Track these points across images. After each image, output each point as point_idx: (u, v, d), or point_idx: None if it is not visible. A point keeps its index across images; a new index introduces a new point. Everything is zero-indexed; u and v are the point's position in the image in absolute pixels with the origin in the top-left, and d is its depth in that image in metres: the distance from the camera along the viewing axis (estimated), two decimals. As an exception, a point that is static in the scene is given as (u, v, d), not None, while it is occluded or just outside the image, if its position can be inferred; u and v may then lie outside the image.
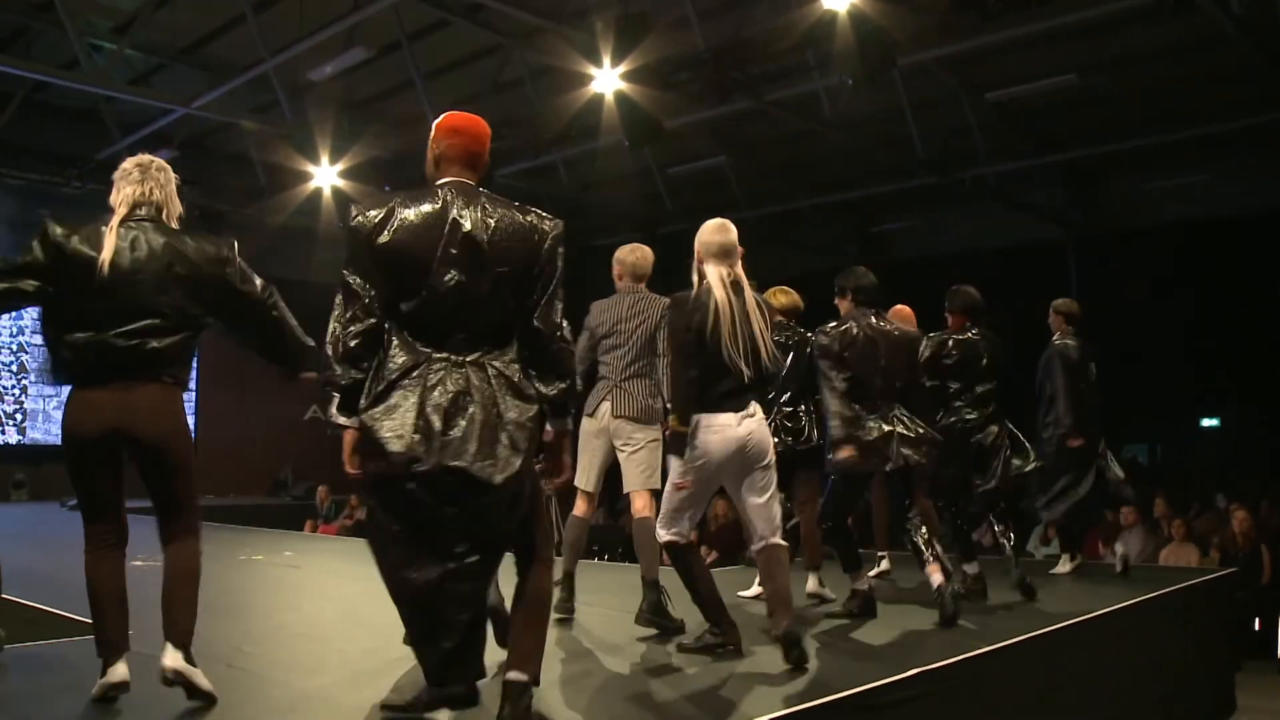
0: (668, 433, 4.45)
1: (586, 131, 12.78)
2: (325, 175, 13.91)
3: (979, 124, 13.46)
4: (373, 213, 3.19)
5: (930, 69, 12.21)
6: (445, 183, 3.29)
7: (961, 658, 4.32)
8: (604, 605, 5.72)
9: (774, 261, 18.38)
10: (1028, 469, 6.53)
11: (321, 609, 6.15)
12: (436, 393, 3.07)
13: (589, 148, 13.67)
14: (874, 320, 5.46)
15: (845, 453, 5.09)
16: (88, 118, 14.45)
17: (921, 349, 5.97)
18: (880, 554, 7.25)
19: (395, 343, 3.16)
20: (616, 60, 10.55)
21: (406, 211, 3.18)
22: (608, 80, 10.83)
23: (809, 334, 6.03)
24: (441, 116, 3.44)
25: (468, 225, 3.16)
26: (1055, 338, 7.38)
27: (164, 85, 13.50)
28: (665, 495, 4.53)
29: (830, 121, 13.07)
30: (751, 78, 11.29)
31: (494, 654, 3.33)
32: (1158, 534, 10.48)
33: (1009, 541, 6.35)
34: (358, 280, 3.18)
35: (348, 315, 3.18)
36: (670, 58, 11.00)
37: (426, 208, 3.20)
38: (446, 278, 3.14)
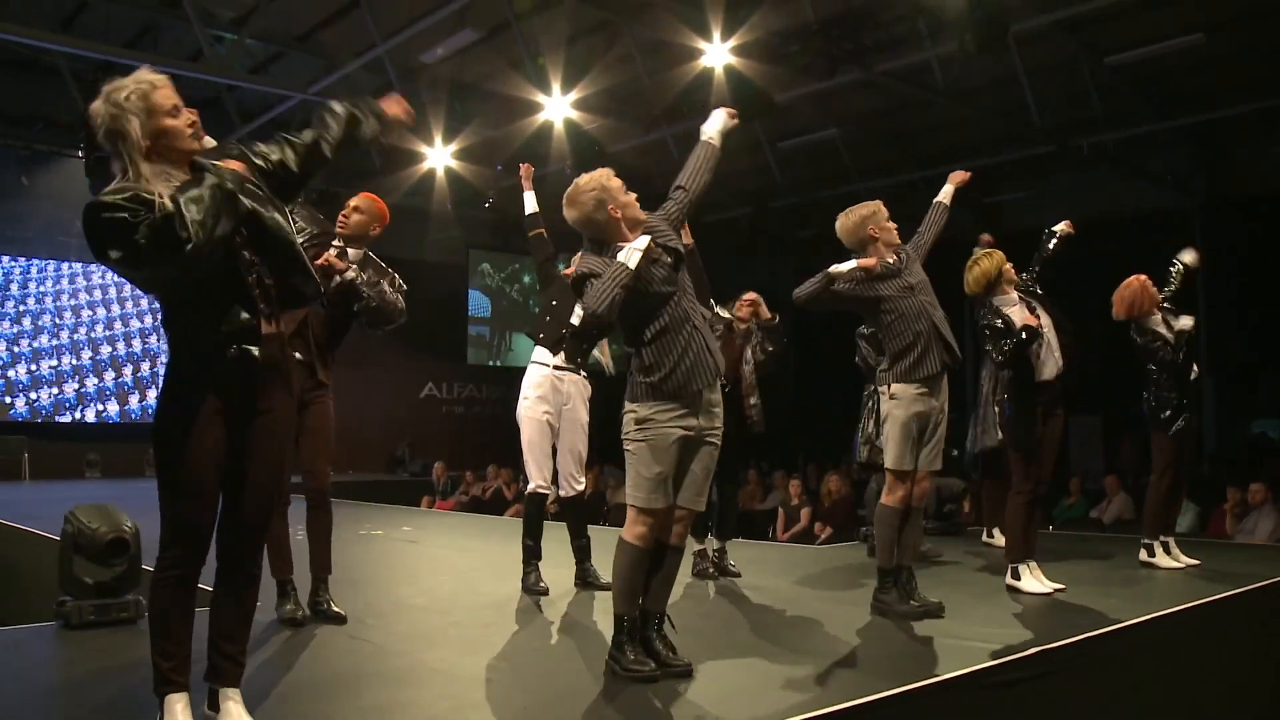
0: None
1: (697, 106, 12.72)
2: (438, 156, 14.13)
3: (1098, 89, 13.05)
4: None
5: (1048, 33, 11.87)
6: None
7: (1080, 637, 4.23)
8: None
9: (886, 234, 18.12)
10: None
11: (439, 582, 6.29)
12: None
13: (699, 123, 13.57)
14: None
15: None
16: (210, 107, 14.86)
17: None
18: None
19: None
20: (726, 34, 10.50)
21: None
22: (717, 54, 10.78)
23: None
24: None
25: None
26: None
27: (281, 73, 13.85)
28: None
29: (943, 91, 12.79)
30: (862, 48, 11.12)
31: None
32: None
33: None
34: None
35: None
36: (780, 30, 10.89)
37: None
38: None
